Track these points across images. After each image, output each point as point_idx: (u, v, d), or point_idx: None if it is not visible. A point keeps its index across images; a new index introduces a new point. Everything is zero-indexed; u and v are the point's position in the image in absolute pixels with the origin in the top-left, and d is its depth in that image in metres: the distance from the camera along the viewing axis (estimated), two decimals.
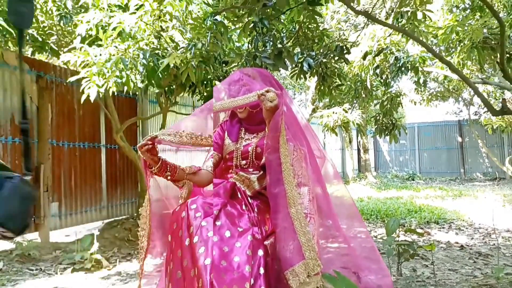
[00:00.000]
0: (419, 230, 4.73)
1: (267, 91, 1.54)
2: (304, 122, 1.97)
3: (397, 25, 3.81)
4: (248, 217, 1.63)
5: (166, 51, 3.46)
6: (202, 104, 4.44)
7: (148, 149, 1.66)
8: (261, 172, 1.83)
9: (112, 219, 5.08)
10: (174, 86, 4.41)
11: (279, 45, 3.24)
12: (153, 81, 3.47)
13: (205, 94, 4.45)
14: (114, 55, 3.11)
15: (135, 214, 5.21)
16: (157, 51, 3.37)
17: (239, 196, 1.73)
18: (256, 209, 1.71)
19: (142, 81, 3.49)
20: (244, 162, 1.87)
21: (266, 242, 1.65)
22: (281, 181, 1.55)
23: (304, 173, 1.63)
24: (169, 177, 1.76)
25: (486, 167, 13.08)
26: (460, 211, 6.07)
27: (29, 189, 0.93)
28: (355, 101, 5.55)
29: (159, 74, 3.39)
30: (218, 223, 1.52)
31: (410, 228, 3.89)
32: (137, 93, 5.39)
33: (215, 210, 1.54)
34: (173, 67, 3.27)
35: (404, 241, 2.91)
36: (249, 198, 1.74)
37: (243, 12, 3.11)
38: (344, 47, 3.48)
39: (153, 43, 3.43)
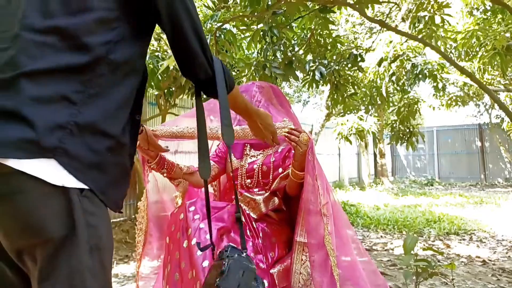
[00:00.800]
0: (438, 242, 4.54)
1: (299, 131, 1.51)
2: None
3: (414, 30, 3.66)
4: (252, 244, 1.54)
5: (166, 53, 3.44)
6: None
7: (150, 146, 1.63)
8: (267, 193, 1.76)
9: (111, 221, 5.06)
10: (173, 88, 4.39)
11: (290, 54, 3.14)
12: (152, 83, 3.45)
13: (204, 96, 4.39)
14: None
15: (133, 216, 5.19)
16: (156, 53, 3.33)
17: (244, 220, 1.64)
18: (261, 234, 1.63)
19: None
20: (249, 181, 1.80)
21: (272, 271, 1.56)
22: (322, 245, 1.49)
23: (329, 212, 1.56)
24: (165, 174, 1.74)
25: (508, 172, 12.63)
26: (482, 221, 5.82)
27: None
28: (370, 108, 5.39)
29: (159, 76, 3.37)
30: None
31: (429, 246, 3.71)
32: None
33: (219, 234, 1.47)
34: (173, 69, 3.25)
35: (423, 259, 2.76)
36: (253, 223, 1.65)
37: (252, 21, 3.03)
38: (358, 55, 3.35)
39: (152, 45, 3.39)
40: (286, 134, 1.52)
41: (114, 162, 0.83)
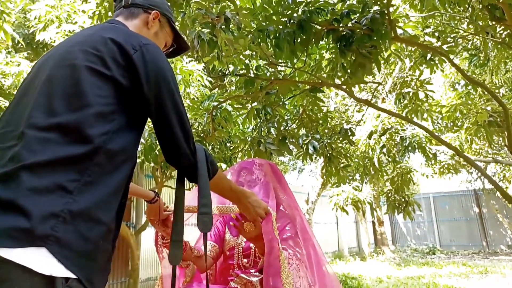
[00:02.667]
0: None
1: (247, 220, 1.49)
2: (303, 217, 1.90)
3: (400, 105, 3.85)
4: None
5: None
6: None
7: (163, 220, 1.58)
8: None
9: None
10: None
11: (283, 129, 3.26)
12: (150, 157, 3.49)
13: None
14: None
15: None
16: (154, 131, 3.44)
17: None
18: None
19: (139, 157, 3.52)
20: (245, 260, 1.75)
21: None
22: None
23: (304, 284, 1.50)
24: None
25: (510, 239, 12.36)
26: None
27: None
28: (364, 177, 5.44)
29: (156, 152, 3.42)
30: None
31: None
32: None
33: None
34: None
35: None
36: None
37: (247, 100, 3.19)
38: (349, 130, 3.49)
39: (151, 122, 3.52)
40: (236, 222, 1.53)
41: (103, 250, 0.86)
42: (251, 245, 1.77)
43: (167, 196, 5.99)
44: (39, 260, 0.74)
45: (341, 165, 3.85)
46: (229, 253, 1.82)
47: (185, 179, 1.16)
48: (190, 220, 1.88)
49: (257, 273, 1.73)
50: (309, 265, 1.67)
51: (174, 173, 5.35)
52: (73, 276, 0.76)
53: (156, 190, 4.63)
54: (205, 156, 1.11)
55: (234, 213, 1.56)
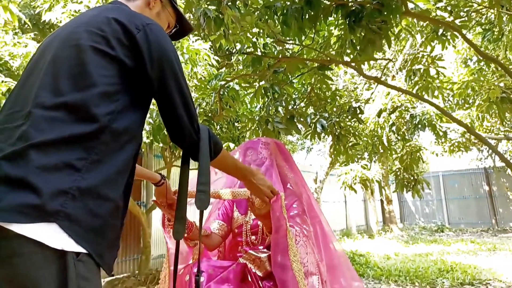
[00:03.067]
0: None
1: (261, 195, 1.49)
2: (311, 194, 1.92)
3: (410, 82, 3.79)
4: None
5: None
6: None
7: (169, 203, 1.63)
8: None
9: (113, 277, 4.91)
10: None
11: (291, 108, 3.24)
12: (158, 138, 3.52)
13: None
14: None
15: (137, 272, 5.06)
16: None
17: (250, 279, 1.61)
18: None
19: (148, 137, 3.55)
20: (253, 237, 1.79)
21: None
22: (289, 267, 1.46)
23: (311, 260, 1.52)
24: (185, 235, 1.70)
25: None
26: (497, 269, 5.61)
27: None
28: (373, 156, 5.43)
29: (165, 132, 3.43)
30: None
31: None
32: (142, 148, 5.47)
33: None
34: None
35: None
36: (260, 281, 1.62)
37: (255, 79, 3.16)
38: (358, 108, 3.45)
39: None
40: (250, 198, 1.55)
41: (112, 226, 0.89)
42: (259, 222, 1.80)
43: (176, 176, 6.05)
44: (51, 235, 0.76)
45: (350, 144, 3.84)
46: (237, 231, 1.86)
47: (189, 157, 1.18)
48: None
49: (265, 250, 1.75)
50: (316, 242, 1.70)
51: None
52: (83, 251, 0.80)
53: (165, 171, 4.64)
54: (208, 136, 1.13)
55: (247, 197, 1.59)
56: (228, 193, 1.64)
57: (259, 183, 1.42)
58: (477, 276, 5.11)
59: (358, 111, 3.46)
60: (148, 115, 3.33)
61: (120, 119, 0.90)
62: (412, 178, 5.09)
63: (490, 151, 11.56)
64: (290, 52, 3.03)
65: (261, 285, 1.61)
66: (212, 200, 2.08)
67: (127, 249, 5.42)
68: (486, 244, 8.58)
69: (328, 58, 2.80)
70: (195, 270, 1.50)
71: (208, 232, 1.82)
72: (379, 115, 4.43)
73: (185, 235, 1.72)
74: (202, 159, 1.11)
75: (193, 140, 1.07)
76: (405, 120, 4.50)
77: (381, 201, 12.94)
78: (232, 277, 1.55)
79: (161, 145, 5.04)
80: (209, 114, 3.49)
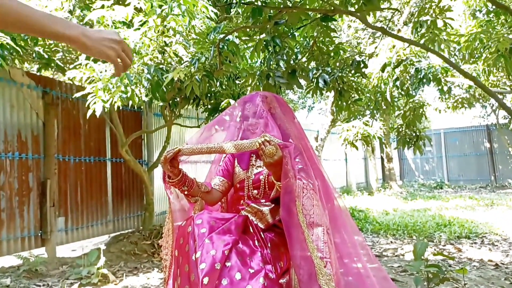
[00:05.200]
0: (449, 246, 4.49)
1: (268, 142, 1.52)
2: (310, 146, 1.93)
3: (416, 34, 3.67)
4: (260, 254, 1.54)
5: (170, 65, 3.50)
6: (206, 117, 4.52)
7: (170, 161, 1.66)
8: (274, 205, 1.76)
9: (118, 233, 5.06)
10: (178, 99, 4.46)
11: (293, 62, 3.17)
12: (157, 95, 3.49)
13: (209, 106, 4.49)
14: None
15: (141, 228, 5.22)
16: (161, 66, 3.39)
17: (251, 230, 1.65)
18: (269, 244, 1.63)
19: (147, 95, 3.53)
20: (255, 192, 1.82)
21: (281, 281, 1.57)
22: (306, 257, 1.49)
23: (318, 212, 1.53)
24: (186, 191, 1.74)
25: None
26: (493, 223, 5.76)
27: None
28: (375, 113, 5.39)
29: (164, 88, 3.42)
30: (228, 263, 1.45)
31: (439, 251, 3.66)
32: (141, 107, 5.46)
33: (225, 250, 1.46)
34: (177, 81, 3.30)
35: (434, 265, 2.73)
36: (262, 233, 1.66)
37: (255, 31, 3.06)
38: (361, 62, 3.37)
39: (157, 58, 3.46)
40: (259, 142, 1.54)
41: None
42: (261, 177, 1.82)
43: (176, 134, 6.06)
44: None
45: (352, 99, 3.79)
46: (239, 186, 1.88)
47: None
48: (198, 158, 1.91)
49: (267, 203, 1.78)
50: (319, 196, 1.70)
51: (183, 111, 5.39)
52: None
53: (165, 129, 4.67)
54: None
55: (253, 149, 1.58)
56: (231, 147, 1.63)
57: (98, 43, 0.90)
58: (474, 230, 5.25)
59: (362, 65, 3.38)
60: (146, 71, 3.26)
61: None
62: (414, 134, 5.08)
63: (494, 107, 11.48)
64: (292, 1, 2.91)
65: (262, 236, 1.65)
66: (215, 156, 2.08)
67: (131, 206, 5.54)
68: (484, 199, 8.75)
69: (332, 8, 2.68)
70: (198, 221, 1.53)
71: (208, 188, 1.83)
72: (383, 69, 4.33)
73: (186, 192, 1.74)
74: None
75: None
76: (410, 74, 4.41)
77: (382, 158, 13.07)
78: (234, 228, 1.57)
79: (160, 103, 5.03)
80: (209, 70, 3.42)
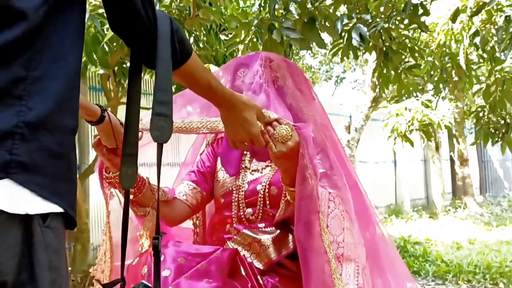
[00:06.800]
0: None
1: (279, 122, 1.53)
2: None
3: None
4: None
5: None
6: (174, 92, 4.50)
7: (111, 148, 1.65)
8: (279, 231, 1.78)
9: None
10: (127, 64, 4.36)
11: (311, 7, 3.17)
12: (94, 57, 3.50)
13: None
14: None
15: (70, 269, 5.23)
16: (100, 11, 3.34)
17: (243, 273, 1.66)
18: None
19: None
20: (250, 210, 1.83)
21: None
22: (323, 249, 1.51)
23: (349, 240, 1.54)
24: (131, 196, 1.70)
25: None
26: None
27: None
28: (441, 88, 5.40)
29: (105, 45, 3.41)
30: None
31: None
32: None
33: None
34: None
35: None
36: (259, 277, 1.68)
37: None
38: (420, 5, 3.38)
39: None
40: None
41: (74, 163, 0.97)
42: (259, 186, 1.83)
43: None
44: (6, 195, 0.81)
45: (405, 66, 3.79)
46: (224, 201, 1.89)
47: (142, 66, 1.23)
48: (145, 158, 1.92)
49: (269, 229, 1.78)
50: (352, 217, 1.71)
51: None
52: (56, 210, 0.87)
53: (109, 110, 4.69)
54: (171, 29, 1.15)
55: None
56: (200, 125, 1.66)
57: (243, 124, 1.48)
58: None
59: (421, 11, 3.39)
60: None
61: (56, 12, 0.92)
62: (503, 122, 5.09)
63: None
64: None
65: (260, 281, 1.66)
66: (186, 155, 2.08)
67: None
68: None
69: None
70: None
71: (169, 197, 1.84)
72: (454, 18, 4.33)
73: (131, 196, 1.70)
74: (160, 65, 1.14)
75: (146, 29, 1.09)
76: (497, 26, 4.41)
77: (451, 160, 13.11)
78: (215, 269, 1.59)
79: (100, 71, 4.99)
80: (177, 17, 3.42)
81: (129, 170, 1.19)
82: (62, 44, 0.94)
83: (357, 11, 3.56)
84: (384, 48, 3.67)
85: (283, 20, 3.02)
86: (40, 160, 0.86)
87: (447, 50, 5.15)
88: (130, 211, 1.82)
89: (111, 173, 1.70)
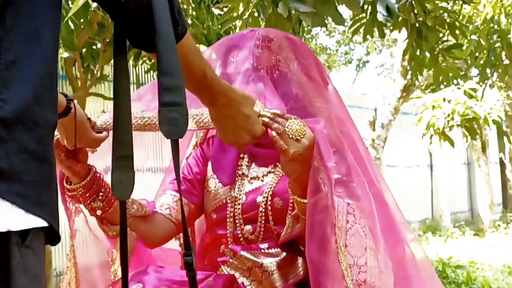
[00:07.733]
0: None
1: (285, 118, 1.50)
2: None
3: None
4: None
5: None
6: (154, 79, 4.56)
7: (71, 151, 1.65)
8: (285, 253, 1.79)
9: None
10: (99, 46, 4.52)
11: None
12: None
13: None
14: None
15: None
16: None
17: None
18: None
19: None
20: (249, 227, 1.85)
21: None
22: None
23: (373, 263, 1.54)
24: (99, 211, 1.72)
25: None
26: None
27: None
28: (488, 73, 5.42)
29: (70, 23, 3.44)
30: None
31: None
32: None
33: None
34: (96, 7, 3.39)
35: None
36: None
37: None
38: None
39: None
40: (266, 122, 1.50)
41: (53, 167, 0.96)
42: (259, 198, 1.84)
43: (95, 112, 6.08)
44: None
45: (444, 46, 3.81)
46: (217, 216, 1.90)
47: (126, 42, 1.19)
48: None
49: (272, 250, 1.79)
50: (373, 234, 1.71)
51: (109, 69, 5.38)
52: (40, 224, 0.85)
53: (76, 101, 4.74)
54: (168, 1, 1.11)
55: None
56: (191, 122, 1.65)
57: (247, 115, 1.47)
58: None
59: None
60: None
61: None
62: None
63: None
64: None
65: None
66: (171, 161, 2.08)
67: None
68: None
69: None
70: (136, 286, 1.54)
71: (147, 211, 1.83)
72: None
73: (99, 212, 1.72)
74: (163, 41, 1.10)
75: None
76: None
77: (501, 163, 13.14)
78: None
79: (65, 54, 5.01)
80: None
81: (123, 177, 1.14)
82: (36, 17, 0.91)
83: None
84: (417, 24, 3.69)
85: None
86: (20, 164, 0.84)
87: (496, 27, 5.17)
88: (100, 231, 1.84)
89: (73, 184, 1.68)
